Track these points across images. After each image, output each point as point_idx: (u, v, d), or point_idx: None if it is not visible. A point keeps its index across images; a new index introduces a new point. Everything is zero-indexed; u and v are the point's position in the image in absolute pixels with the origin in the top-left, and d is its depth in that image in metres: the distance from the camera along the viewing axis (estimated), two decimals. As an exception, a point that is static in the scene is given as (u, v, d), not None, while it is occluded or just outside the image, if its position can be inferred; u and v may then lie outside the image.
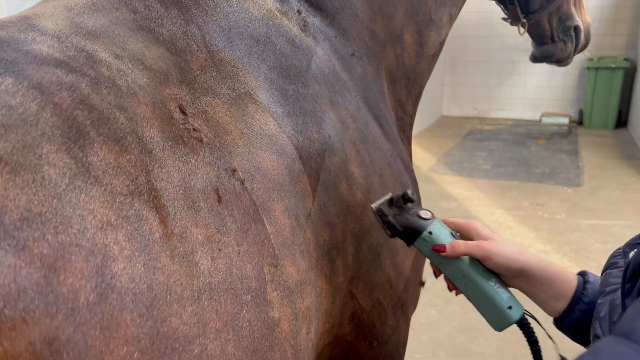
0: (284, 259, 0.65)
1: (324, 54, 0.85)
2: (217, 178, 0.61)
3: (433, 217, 0.79)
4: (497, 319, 0.75)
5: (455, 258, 0.75)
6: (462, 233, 0.79)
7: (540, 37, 1.50)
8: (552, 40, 1.49)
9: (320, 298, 0.74)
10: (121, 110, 0.55)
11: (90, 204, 0.46)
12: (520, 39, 1.60)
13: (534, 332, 0.75)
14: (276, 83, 0.76)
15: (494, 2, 1.50)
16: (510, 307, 0.74)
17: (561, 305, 0.74)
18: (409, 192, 0.78)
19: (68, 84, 0.53)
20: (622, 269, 0.57)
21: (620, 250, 0.56)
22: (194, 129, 0.61)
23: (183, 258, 0.53)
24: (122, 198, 0.49)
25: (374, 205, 0.78)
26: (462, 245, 0.75)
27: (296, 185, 0.72)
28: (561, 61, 1.55)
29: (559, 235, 3.29)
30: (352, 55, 0.91)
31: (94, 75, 0.56)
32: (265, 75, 0.75)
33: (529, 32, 1.47)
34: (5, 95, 0.47)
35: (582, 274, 0.75)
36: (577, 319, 0.72)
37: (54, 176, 0.45)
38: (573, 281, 0.74)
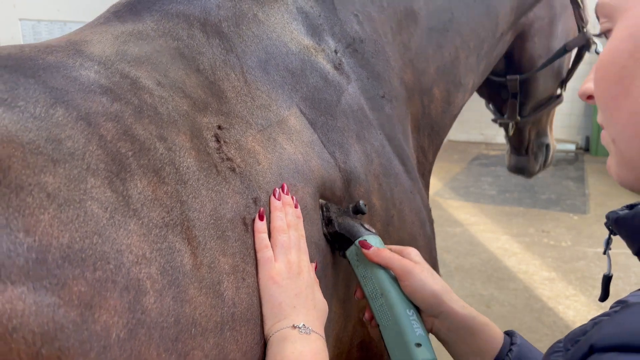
0: None
1: (354, 92, 0.89)
2: (245, 207, 0.62)
3: (375, 233, 0.75)
4: (400, 354, 0.65)
5: (379, 272, 0.71)
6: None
7: (518, 145, 1.71)
8: (526, 152, 1.70)
9: (333, 322, 0.75)
10: (161, 140, 0.57)
11: (127, 238, 0.47)
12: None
13: None
14: (306, 114, 0.79)
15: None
16: (418, 345, 0.64)
17: None
18: (362, 202, 0.76)
19: (113, 114, 0.55)
20: None
21: (561, 345, 0.49)
22: (227, 158, 0.63)
23: (210, 289, 0.54)
24: (157, 230, 0.51)
25: (322, 200, 0.76)
26: (387, 252, 0.71)
27: (318, 212, 0.75)
28: (531, 174, 1.76)
29: (565, 264, 3.28)
30: (383, 97, 0.96)
31: (137, 103, 0.58)
32: (297, 106, 0.78)
33: (510, 139, 1.69)
34: (55, 129, 0.48)
35: (510, 334, 0.69)
36: None
37: (96, 211, 0.46)
38: (498, 339, 0.68)
